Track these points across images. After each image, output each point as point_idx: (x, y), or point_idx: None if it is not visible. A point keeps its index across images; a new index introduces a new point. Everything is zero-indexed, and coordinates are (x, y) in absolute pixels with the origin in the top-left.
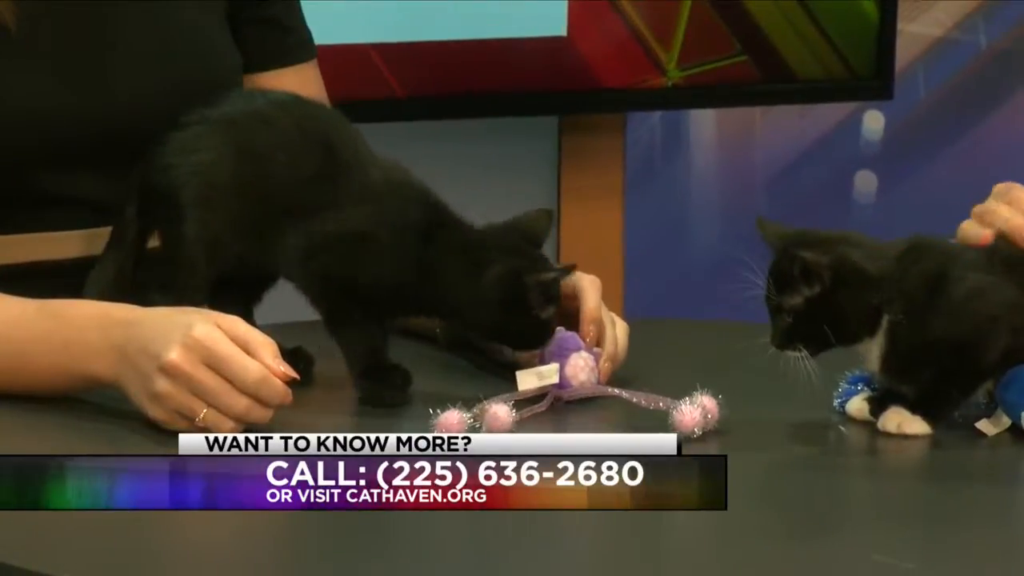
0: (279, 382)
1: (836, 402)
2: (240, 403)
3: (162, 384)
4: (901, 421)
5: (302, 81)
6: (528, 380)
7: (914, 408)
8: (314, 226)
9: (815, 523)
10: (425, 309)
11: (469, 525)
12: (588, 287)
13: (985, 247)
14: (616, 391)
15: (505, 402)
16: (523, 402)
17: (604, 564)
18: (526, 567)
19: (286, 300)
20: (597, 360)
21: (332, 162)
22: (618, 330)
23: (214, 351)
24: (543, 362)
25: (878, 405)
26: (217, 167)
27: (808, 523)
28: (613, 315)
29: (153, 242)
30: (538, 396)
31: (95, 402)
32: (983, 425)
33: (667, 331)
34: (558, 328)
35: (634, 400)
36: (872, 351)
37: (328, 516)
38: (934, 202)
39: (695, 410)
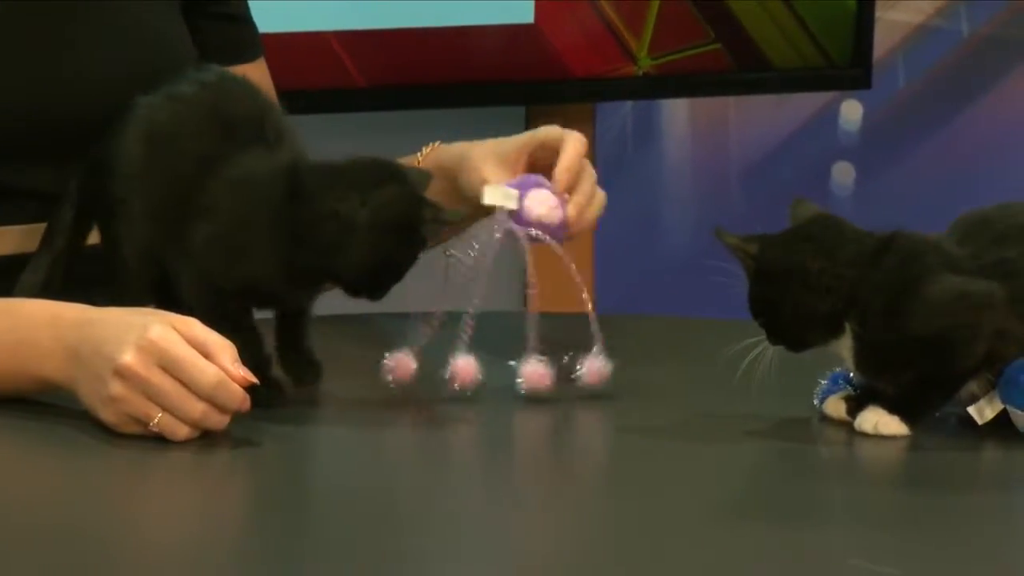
0: (237, 387)
1: (816, 400)
2: (196, 408)
3: (116, 387)
4: (878, 421)
5: (258, 77)
6: (494, 194)
7: (892, 408)
8: (194, 227)
9: (789, 527)
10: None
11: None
12: (570, 139)
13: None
14: (563, 256)
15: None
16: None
17: (575, 568)
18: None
19: None
20: (564, 202)
21: (228, 144)
22: (596, 190)
23: (170, 353)
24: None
25: (856, 404)
26: (131, 156)
27: (782, 527)
28: (596, 183)
29: (93, 237)
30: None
31: (46, 403)
32: (974, 410)
33: (640, 327)
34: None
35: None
36: (843, 351)
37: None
38: (914, 194)
39: (541, 368)
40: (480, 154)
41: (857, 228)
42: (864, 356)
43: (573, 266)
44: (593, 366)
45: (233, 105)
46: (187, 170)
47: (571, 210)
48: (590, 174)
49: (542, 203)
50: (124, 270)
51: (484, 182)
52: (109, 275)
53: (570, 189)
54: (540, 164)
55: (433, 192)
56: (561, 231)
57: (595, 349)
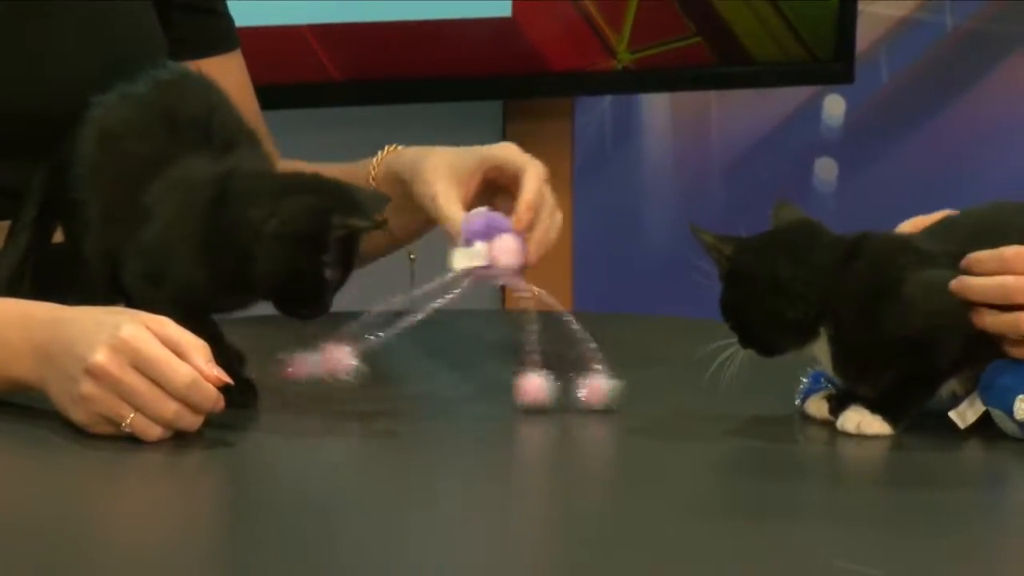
0: (210, 387)
1: (797, 400)
2: (169, 408)
3: (87, 387)
4: (861, 421)
5: (232, 69)
6: (461, 259)
7: (874, 408)
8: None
9: (772, 528)
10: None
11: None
12: (531, 170)
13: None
14: (536, 289)
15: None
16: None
17: (553, 570)
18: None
19: None
20: (524, 243)
21: (174, 146)
22: (555, 219)
23: (142, 353)
24: (466, 243)
25: (838, 404)
26: (84, 156)
27: (765, 528)
28: (556, 208)
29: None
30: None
31: (15, 403)
32: (955, 415)
33: (618, 327)
34: (483, 209)
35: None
36: (820, 355)
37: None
38: (898, 190)
39: (539, 381)
40: (433, 166)
41: (833, 234)
42: (842, 359)
43: (550, 297)
44: (595, 386)
45: (184, 105)
46: (135, 171)
47: (532, 248)
48: (549, 204)
49: (507, 252)
50: (87, 270)
51: (435, 198)
52: (73, 275)
53: (532, 226)
54: (494, 184)
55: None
56: (521, 270)
57: (596, 368)
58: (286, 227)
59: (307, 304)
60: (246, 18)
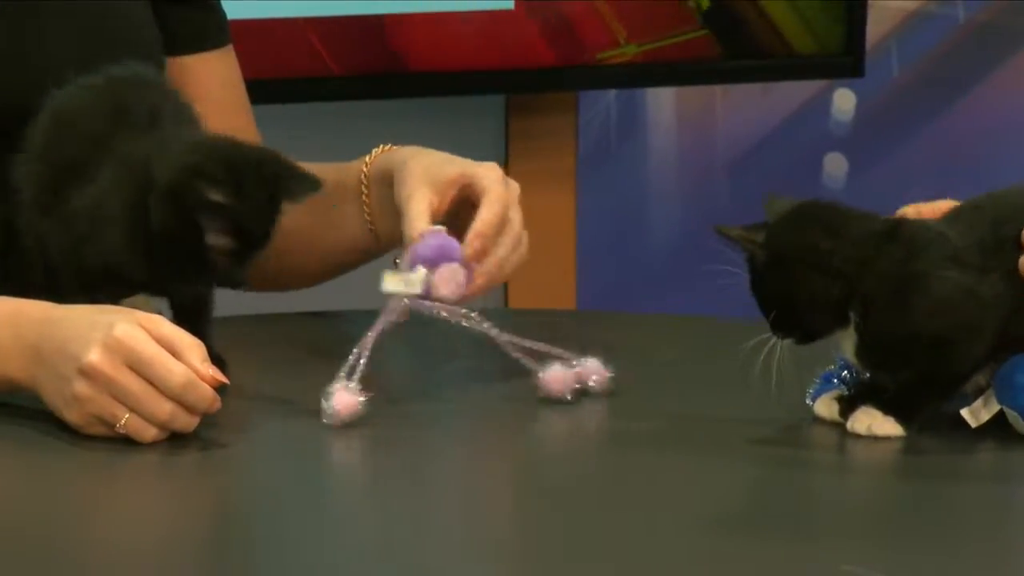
0: (207, 387)
1: (808, 399)
2: (164, 408)
3: (81, 387)
4: (872, 422)
5: (225, 65)
6: (393, 282)
7: (887, 409)
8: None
9: (779, 531)
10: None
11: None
12: (492, 194)
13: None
14: (482, 324)
15: (349, 389)
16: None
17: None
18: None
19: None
20: (470, 274)
21: (118, 129)
22: (517, 251)
23: (137, 352)
24: (411, 264)
25: (848, 405)
26: (34, 136)
27: (771, 531)
28: (521, 238)
29: None
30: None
31: (6, 403)
32: (968, 413)
33: (622, 324)
34: (439, 229)
35: (494, 338)
36: (846, 341)
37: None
38: (908, 185)
39: (567, 372)
40: (414, 169)
41: (858, 210)
42: (865, 348)
43: (487, 322)
44: (555, 375)
45: (133, 94)
46: (77, 152)
47: (478, 280)
48: (513, 233)
49: (448, 282)
50: (25, 258)
51: (407, 200)
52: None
53: (481, 255)
54: (468, 201)
55: (376, 198)
56: (460, 302)
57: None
58: (160, 183)
59: (197, 271)
60: (244, 11)
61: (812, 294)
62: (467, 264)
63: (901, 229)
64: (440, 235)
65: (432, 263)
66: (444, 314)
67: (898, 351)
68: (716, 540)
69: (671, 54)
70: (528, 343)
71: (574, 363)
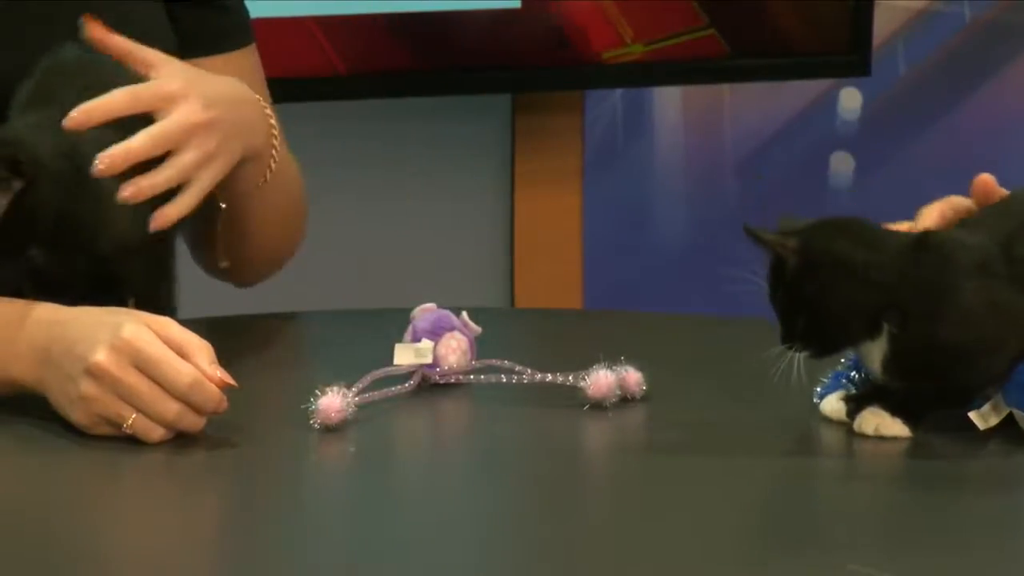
0: (213, 387)
1: (815, 399)
2: (171, 409)
3: (87, 387)
4: (879, 423)
5: (241, 67)
6: (405, 355)
7: (894, 410)
8: None
9: (785, 531)
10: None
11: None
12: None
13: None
14: (500, 377)
15: (342, 393)
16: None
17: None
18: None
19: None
20: (472, 341)
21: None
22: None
23: (145, 353)
24: (414, 338)
25: (855, 406)
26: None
27: (778, 531)
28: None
29: None
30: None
31: (13, 404)
32: (976, 416)
33: (629, 325)
34: (430, 306)
35: (515, 377)
36: (874, 351)
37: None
38: (915, 184)
39: (609, 376)
40: None
41: (885, 228)
42: (896, 359)
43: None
44: (599, 378)
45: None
46: None
47: (168, 210)
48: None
49: (452, 351)
50: None
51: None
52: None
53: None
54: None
55: None
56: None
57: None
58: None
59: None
60: (251, 10)
61: (847, 302)
62: (465, 333)
63: (931, 239)
64: (433, 311)
65: (433, 335)
66: (456, 378)
67: (932, 361)
68: (720, 538)
69: (677, 53)
70: (539, 376)
71: (614, 369)
